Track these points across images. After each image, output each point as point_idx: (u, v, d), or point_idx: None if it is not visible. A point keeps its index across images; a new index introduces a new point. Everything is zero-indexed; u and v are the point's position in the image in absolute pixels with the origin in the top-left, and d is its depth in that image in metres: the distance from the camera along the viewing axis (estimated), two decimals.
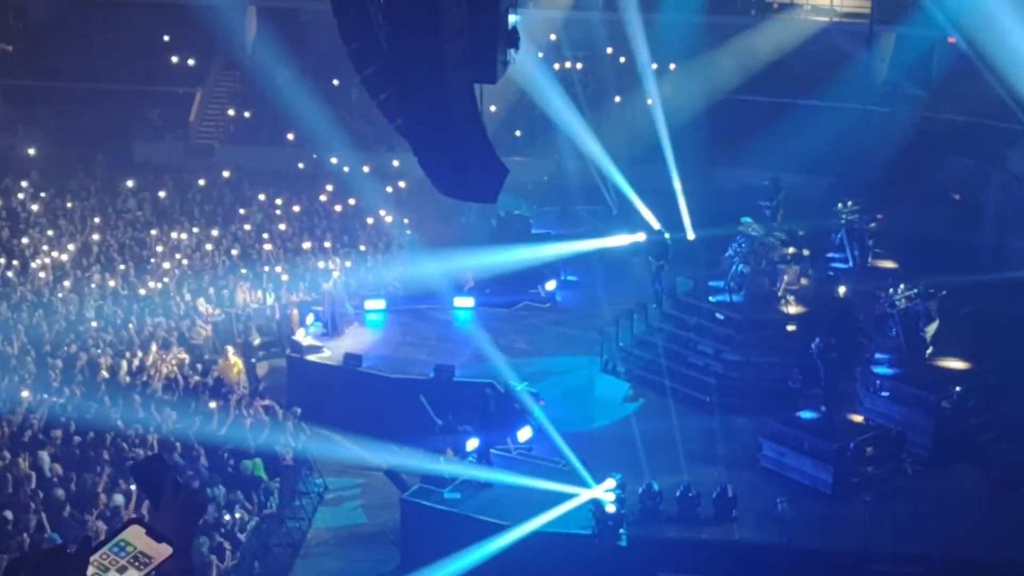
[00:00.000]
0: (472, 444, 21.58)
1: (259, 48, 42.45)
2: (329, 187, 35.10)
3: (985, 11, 28.42)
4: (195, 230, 31.21)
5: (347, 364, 24.53)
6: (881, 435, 22.07)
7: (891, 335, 24.44)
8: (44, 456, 18.95)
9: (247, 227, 31.75)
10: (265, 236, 31.20)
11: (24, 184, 33.43)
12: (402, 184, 35.70)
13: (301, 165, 37.69)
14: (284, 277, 28.65)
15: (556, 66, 39.72)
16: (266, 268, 29.01)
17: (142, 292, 26.96)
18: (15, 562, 3.88)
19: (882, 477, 21.61)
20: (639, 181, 33.30)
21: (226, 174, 36.10)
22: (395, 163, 37.01)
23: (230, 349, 24.68)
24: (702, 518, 20.13)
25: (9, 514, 17.03)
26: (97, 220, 31.57)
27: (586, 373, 26.36)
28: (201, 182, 35.34)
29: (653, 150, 34.89)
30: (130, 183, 34.31)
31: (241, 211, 33.13)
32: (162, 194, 33.91)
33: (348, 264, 29.56)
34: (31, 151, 36.44)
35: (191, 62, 40.51)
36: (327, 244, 30.74)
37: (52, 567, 3.76)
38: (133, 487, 17.72)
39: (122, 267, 28.33)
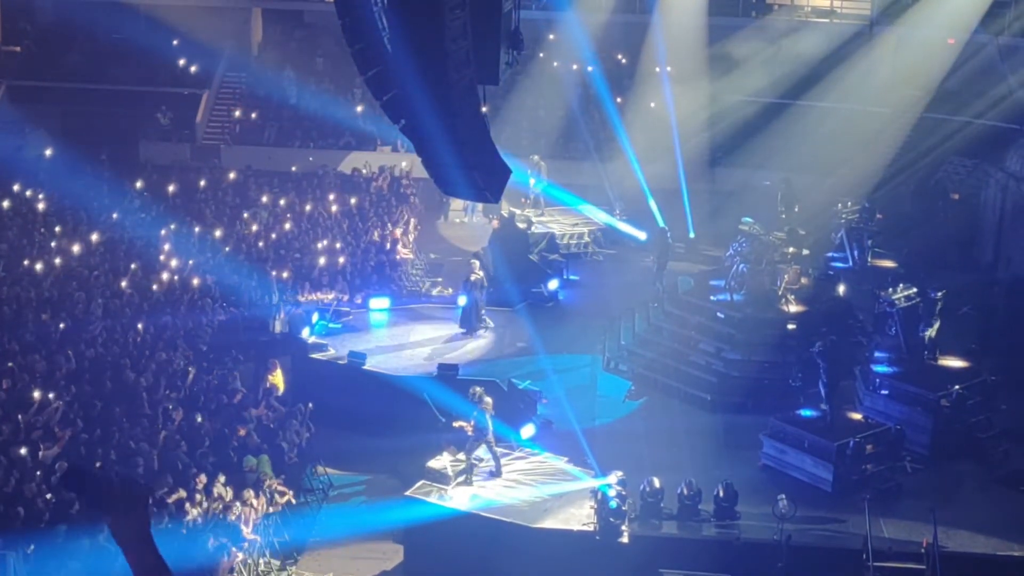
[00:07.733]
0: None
1: (265, 49, 42.71)
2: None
3: None
4: (200, 229, 31.32)
5: (352, 362, 24.69)
6: (881, 433, 22.24)
7: (891, 334, 24.61)
8: (50, 454, 19.15)
9: (254, 227, 31.89)
10: (273, 236, 31.36)
11: (31, 184, 33.58)
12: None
13: (303, 162, 37.82)
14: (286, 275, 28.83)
15: (555, 64, 39.92)
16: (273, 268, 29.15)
17: (149, 291, 27.10)
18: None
19: (882, 475, 21.77)
20: (643, 180, 33.59)
21: (232, 175, 36.27)
22: (403, 164, 37.22)
23: (277, 362, 24.71)
24: (703, 515, 20.28)
25: (21, 510, 17.24)
26: (106, 219, 31.72)
27: (588, 371, 26.52)
28: (207, 183, 35.49)
29: (658, 150, 35.11)
30: (137, 183, 34.46)
31: (247, 211, 33.27)
32: (169, 193, 34.06)
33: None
34: (38, 152, 36.60)
35: (197, 63, 40.67)
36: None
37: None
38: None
39: (130, 266, 28.47)
